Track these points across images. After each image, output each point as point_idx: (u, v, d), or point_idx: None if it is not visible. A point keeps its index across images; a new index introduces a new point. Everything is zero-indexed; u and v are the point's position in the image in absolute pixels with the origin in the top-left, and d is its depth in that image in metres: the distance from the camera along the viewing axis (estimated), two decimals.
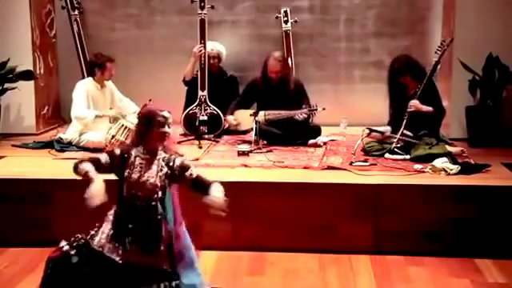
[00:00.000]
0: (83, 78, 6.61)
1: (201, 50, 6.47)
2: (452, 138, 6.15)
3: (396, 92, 5.75)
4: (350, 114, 6.90)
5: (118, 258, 3.26)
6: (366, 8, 7.08)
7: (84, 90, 5.93)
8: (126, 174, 3.32)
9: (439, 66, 5.91)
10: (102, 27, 7.26)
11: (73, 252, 3.24)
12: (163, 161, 3.37)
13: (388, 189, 4.73)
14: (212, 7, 6.59)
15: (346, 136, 6.47)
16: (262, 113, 6.00)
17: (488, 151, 5.81)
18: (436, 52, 5.74)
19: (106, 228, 3.32)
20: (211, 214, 3.30)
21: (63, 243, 3.29)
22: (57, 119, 7.21)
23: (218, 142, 6.25)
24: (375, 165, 5.25)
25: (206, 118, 6.43)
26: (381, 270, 4.41)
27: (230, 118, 6.19)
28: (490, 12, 6.32)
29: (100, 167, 3.31)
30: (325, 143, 6.09)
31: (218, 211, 3.30)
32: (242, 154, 5.59)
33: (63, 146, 5.89)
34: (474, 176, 4.95)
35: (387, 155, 5.47)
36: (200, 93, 6.49)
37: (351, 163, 5.24)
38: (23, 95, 6.63)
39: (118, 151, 3.35)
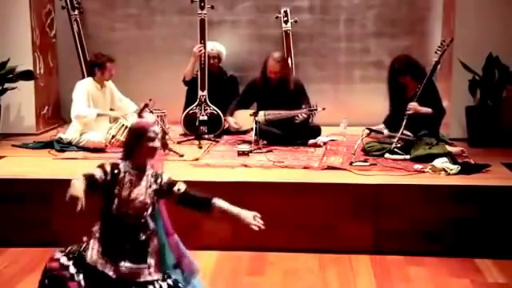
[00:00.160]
0: (83, 77, 6.60)
1: (201, 50, 6.47)
2: (452, 138, 6.15)
3: (396, 92, 5.75)
4: (349, 114, 6.90)
5: (111, 273, 3.27)
6: (365, 8, 7.09)
7: (84, 90, 5.92)
8: (116, 191, 3.30)
9: (439, 66, 5.91)
10: (102, 27, 7.26)
11: (70, 263, 3.24)
12: (152, 177, 3.38)
13: (388, 189, 4.73)
14: (212, 7, 6.59)
15: (346, 136, 6.48)
16: (261, 113, 6.00)
17: (488, 151, 5.81)
18: (436, 52, 5.75)
19: (95, 245, 3.30)
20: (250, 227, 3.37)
21: (59, 254, 3.29)
22: (57, 119, 7.22)
23: (218, 141, 6.25)
24: (375, 165, 5.25)
25: (205, 117, 6.43)
26: (381, 270, 4.41)
27: (230, 120, 6.19)
28: (490, 12, 6.32)
29: (95, 183, 3.25)
30: (325, 143, 6.09)
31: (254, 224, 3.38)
32: (242, 153, 5.59)
33: (63, 145, 5.89)
34: (473, 176, 4.96)
35: (387, 155, 5.47)
36: (200, 93, 6.49)
37: (351, 163, 5.24)
38: (23, 95, 6.63)
39: (108, 167, 3.32)
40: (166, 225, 3.44)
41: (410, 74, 5.64)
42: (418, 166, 5.14)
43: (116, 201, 3.28)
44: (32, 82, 6.64)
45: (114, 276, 3.25)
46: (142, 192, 3.32)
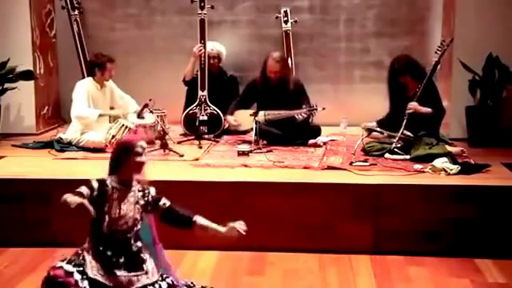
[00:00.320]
0: (83, 77, 6.60)
1: (201, 50, 6.47)
2: (452, 138, 6.15)
3: (396, 92, 5.75)
4: (349, 114, 6.90)
5: (111, 284, 3.29)
6: (365, 8, 7.09)
7: (84, 90, 5.92)
8: (105, 208, 3.31)
9: (439, 66, 5.91)
10: (102, 27, 7.26)
11: (74, 270, 3.25)
12: (139, 192, 3.40)
13: (388, 189, 4.73)
14: (212, 7, 6.59)
15: (346, 136, 6.48)
16: (261, 113, 6.00)
17: (488, 151, 5.81)
18: (436, 52, 5.75)
19: (92, 262, 3.31)
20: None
21: (61, 263, 3.29)
22: (57, 119, 7.22)
23: (218, 141, 6.25)
24: (375, 165, 5.25)
25: (205, 117, 6.43)
26: (381, 270, 4.41)
27: (230, 118, 6.19)
28: (490, 12, 6.32)
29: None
30: (325, 143, 6.09)
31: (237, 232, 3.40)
32: (242, 153, 5.59)
33: (63, 145, 5.89)
34: (473, 176, 4.95)
35: (387, 155, 5.47)
36: (200, 93, 6.49)
37: (351, 163, 5.24)
38: (23, 95, 6.63)
39: (96, 184, 3.32)
40: (153, 232, 3.51)
41: (410, 73, 5.64)
42: (417, 166, 5.14)
43: (107, 218, 3.30)
44: (32, 82, 6.64)
45: (115, 286, 3.29)
46: (130, 208, 3.35)
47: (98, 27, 7.25)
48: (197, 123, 6.39)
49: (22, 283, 4.19)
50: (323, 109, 5.90)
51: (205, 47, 6.50)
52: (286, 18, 6.95)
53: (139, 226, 3.40)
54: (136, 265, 3.36)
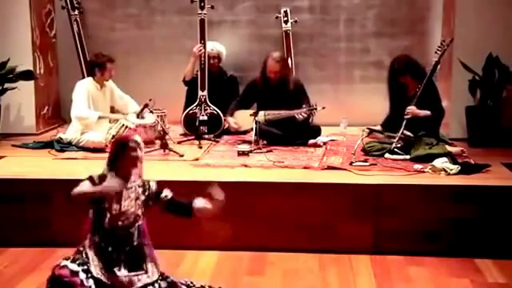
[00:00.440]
0: (83, 77, 6.61)
1: (201, 50, 6.47)
2: (452, 138, 6.15)
3: (396, 92, 5.75)
4: (349, 114, 6.90)
5: (113, 284, 3.32)
6: (365, 8, 7.08)
7: (84, 90, 5.92)
8: (106, 204, 3.33)
9: (439, 66, 5.91)
10: (102, 27, 7.25)
11: (79, 269, 3.26)
12: (139, 187, 3.41)
13: (388, 189, 4.73)
14: (212, 7, 6.59)
15: (346, 136, 6.48)
16: (261, 113, 6.00)
17: (488, 151, 5.81)
18: (436, 52, 5.74)
19: (95, 260, 3.33)
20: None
21: (65, 262, 3.30)
22: (57, 119, 7.21)
23: (218, 141, 6.25)
24: (375, 165, 5.25)
25: (205, 117, 6.43)
26: (381, 270, 4.41)
27: (230, 120, 6.18)
28: (490, 12, 6.32)
29: None
30: (325, 143, 6.09)
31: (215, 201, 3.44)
32: (242, 153, 5.59)
33: (63, 145, 5.89)
34: (473, 176, 4.95)
35: (387, 155, 5.47)
36: (200, 93, 6.49)
37: (351, 163, 5.24)
38: (23, 95, 6.63)
39: (97, 179, 3.35)
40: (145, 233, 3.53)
41: (410, 73, 5.63)
42: (417, 166, 5.14)
43: (108, 214, 3.31)
44: (32, 82, 6.64)
45: (116, 286, 3.30)
46: (132, 204, 3.37)
47: (98, 27, 7.25)
48: (197, 123, 6.39)
49: (22, 283, 4.19)
50: (323, 108, 5.90)
51: (205, 47, 6.50)
52: (285, 18, 6.95)
53: (141, 222, 3.40)
54: (136, 263, 3.36)
